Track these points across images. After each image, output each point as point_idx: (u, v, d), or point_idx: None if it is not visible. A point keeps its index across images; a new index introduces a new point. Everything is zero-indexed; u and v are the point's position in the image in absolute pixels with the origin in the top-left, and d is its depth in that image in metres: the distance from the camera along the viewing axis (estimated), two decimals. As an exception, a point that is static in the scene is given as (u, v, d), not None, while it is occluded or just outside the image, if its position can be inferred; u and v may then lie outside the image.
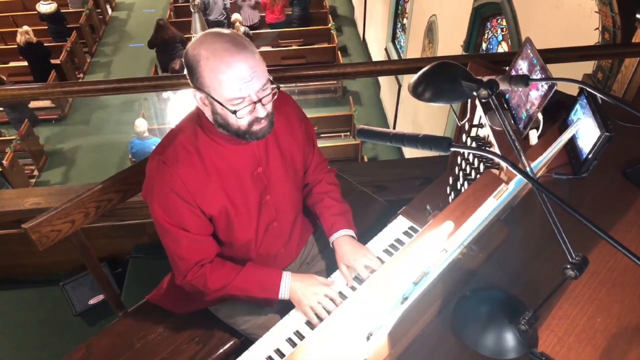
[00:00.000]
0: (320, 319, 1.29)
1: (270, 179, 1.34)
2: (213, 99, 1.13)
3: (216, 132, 1.22)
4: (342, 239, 1.45)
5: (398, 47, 7.59)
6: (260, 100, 1.14)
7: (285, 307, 1.42)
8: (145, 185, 1.27)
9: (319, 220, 1.53)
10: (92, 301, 2.41)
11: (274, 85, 1.18)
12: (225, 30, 1.14)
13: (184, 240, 1.26)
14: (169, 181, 1.20)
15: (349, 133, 6.82)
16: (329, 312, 1.29)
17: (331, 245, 1.47)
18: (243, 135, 1.19)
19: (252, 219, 1.34)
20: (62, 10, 8.45)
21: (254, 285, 1.34)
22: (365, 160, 6.32)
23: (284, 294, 1.34)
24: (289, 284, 1.34)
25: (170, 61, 6.41)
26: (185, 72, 1.17)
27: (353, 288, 1.40)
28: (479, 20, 4.59)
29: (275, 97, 1.19)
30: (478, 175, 1.51)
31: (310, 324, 1.32)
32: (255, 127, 1.18)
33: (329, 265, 1.56)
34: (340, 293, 1.39)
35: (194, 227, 1.26)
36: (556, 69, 1.47)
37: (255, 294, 1.34)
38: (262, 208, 1.35)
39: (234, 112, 1.13)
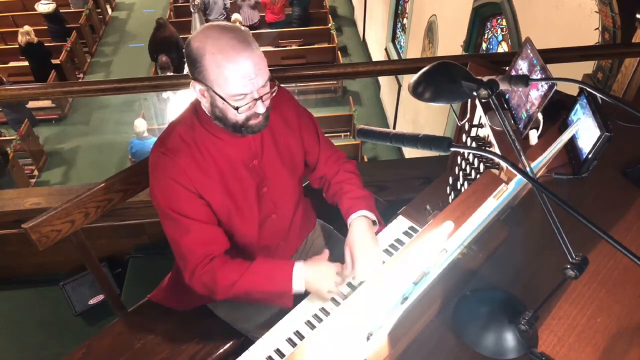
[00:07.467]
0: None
1: (266, 171, 1.34)
2: (215, 93, 1.14)
3: (212, 124, 1.23)
4: (356, 221, 1.38)
5: (398, 47, 7.59)
6: (261, 97, 1.16)
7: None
8: (149, 180, 1.28)
9: (318, 218, 1.52)
10: (92, 301, 2.41)
11: (275, 84, 1.19)
12: (229, 25, 1.16)
13: (190, 229, 1.24)
14: (171, 171, 1.21)
15: (349, 133, 6.82)
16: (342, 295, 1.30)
17: (348, 226, 1.41)
18: (240, 128, 1.20)
19: (251, 211, 1.35)
20: (63, 10, 8.47)
21: (265, 277, 1.29)
22: (365, 160, 6.32)
23: (298, 284, 1.29)
24: (303, 274, 1.29)
25: (169, 59, 6.43)
26: (185, 62, 1.17)
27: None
28: (479, 20, 4.59)
29: (274, 94, 1.20)
30: (478, 175, 1.51)
31: (310, 324, 1.32)
32: (252, 122, 1.19)
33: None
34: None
35: (199, 215, 1.25)
36: (556, 69, 1.47)
37: (266, 288, 1.28)
38: (260, 200, 1.36)
39: (236, 109, 1.14)
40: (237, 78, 1.11)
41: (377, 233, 1.43)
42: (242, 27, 1.20)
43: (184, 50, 1.17)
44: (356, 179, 1.50)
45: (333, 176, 1.51)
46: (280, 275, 1.29)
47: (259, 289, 1.29)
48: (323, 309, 1.34)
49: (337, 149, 1.55)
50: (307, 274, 1.29)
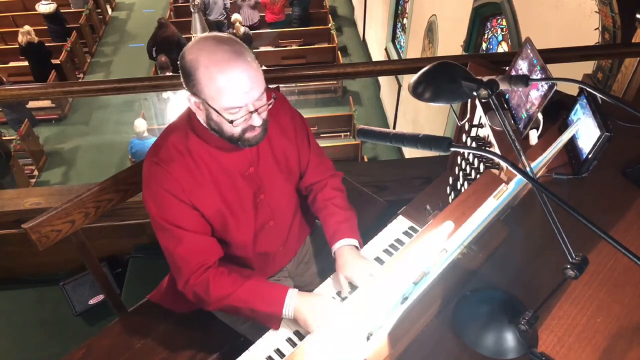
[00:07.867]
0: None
1: (263, 178, 1.33)
2: (209, 106, 1.13)
3: (208, 134, 1.22)
4: (344, 249, 1.40)
5: (398, 47, 7.59)
6: (256, 110, 1.14)
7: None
8: (143, 188, 1.27)
9: (317, 219, 1.52)
10: (92, 301, 2.41)
11: (272, 96, 1.17)
12: (224, 36, 1.14)
13: (183, 239, 1.24)
14: (163, 181, 1.20)
15: (349, 133, 6.82)
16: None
17: (332, 255, 1.43)
18: (236, 141, 1.19)
19: (248, 219, 1.34)
20: (63, 10, 8.48)
21: (258, 297, 1.28)
22: (365, 160, 6.32)
23: (288, 311, 1.27)
24: (294, 302, 1.27)
25: (170, 59, 6.43)
26: (180, 75, 1.15)
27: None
28: (479, 20, 4.59)
29: (271, 106, 1.19)
30: (478, 175, 1.51)
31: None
32: (249, 135, 1.18)
33: (328, 265, 1.55)
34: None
35: (193, 225, 1.25)
36: (556, 69, 1.47)
37: (257, 307, 1.28)
38: (257, 207, 1.35)
39: (231, 122, 1.13)
40: (231, 91, 1.09)
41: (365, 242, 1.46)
42: (241, 32, 1.18)
43: (178, 63, 1.15)
44: (341, 197, 1.50)
45: (320, 190, 1.50)
46: (274, 298, 1.28)
47: (250, 306, 1.28)
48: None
49: (326, 157, 1.54)
50: (298, 303, 1.27)
